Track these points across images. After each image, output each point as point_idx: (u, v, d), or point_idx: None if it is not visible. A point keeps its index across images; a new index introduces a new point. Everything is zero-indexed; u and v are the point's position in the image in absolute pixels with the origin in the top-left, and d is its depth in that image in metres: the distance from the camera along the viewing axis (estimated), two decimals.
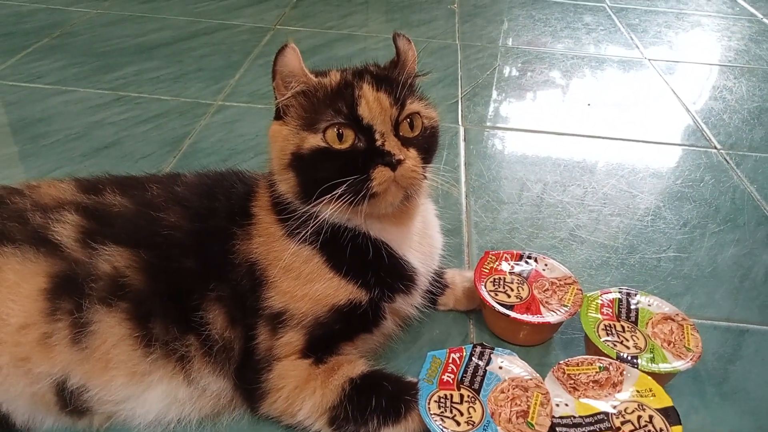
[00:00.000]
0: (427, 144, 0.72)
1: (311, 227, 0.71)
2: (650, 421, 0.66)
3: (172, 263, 0.72)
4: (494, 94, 1.62)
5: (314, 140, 0.68)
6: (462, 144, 1.34)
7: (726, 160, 1.35)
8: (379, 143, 0.67)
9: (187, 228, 0.74)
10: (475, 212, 1.11)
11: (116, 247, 0.71)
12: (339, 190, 0.66)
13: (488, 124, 1.45)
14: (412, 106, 0.71)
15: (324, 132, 0.68)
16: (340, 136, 0.68)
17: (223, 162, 1.20)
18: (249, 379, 0.71)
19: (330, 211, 0.68)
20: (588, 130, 1.45)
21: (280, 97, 0.72)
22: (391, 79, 0.72)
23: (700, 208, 1.17)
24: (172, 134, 1.29)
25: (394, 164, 0.66)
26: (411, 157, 0.68)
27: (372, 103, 0.68)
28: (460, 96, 1.56)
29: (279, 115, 0.73)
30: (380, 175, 0.66)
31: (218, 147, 1.26)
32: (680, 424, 0.66)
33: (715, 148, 1.40)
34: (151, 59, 1.63)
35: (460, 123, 1.43)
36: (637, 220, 1.13)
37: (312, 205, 0.69)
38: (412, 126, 0.71)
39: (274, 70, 0.71)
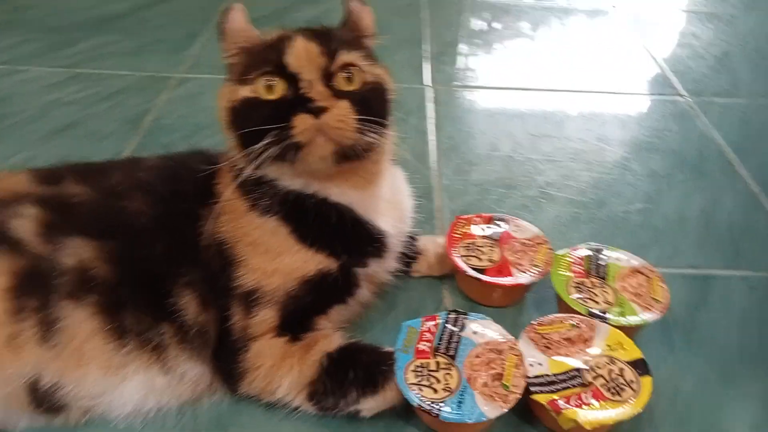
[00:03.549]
0: (364, 98, 0.69)
1: (270, 196, 0.71)
2: (621, 374, 0.68)
3: (139, 251, 0.71)
4: (462, 51, 1.60)
5: (244, 91, 0.69)
6: (432, 106, 1.33)
7: (692, 107, 1.36)
8: (304, 91, 0.66)
9: (151, 213, 0.73)
10: (446, 175, 1.11)
11: (80, 238, 0.69)
12: (264, 141, 0.65)
13: (457, 83, 1.43)
14: (347, 56, 0.69)
15: (254, 82, 0.68)
16: (269, 87, 0.67)
17: (187, 138, 1.17)
18: (226, 361, 0.71)
19: (266, 168, 0.69)
20: (556, 83, 1.44)
21: (226, 55, 0.73)
22: (330, 33, 0.71)
23: (667, 158, 1.19)
24: (133, 111, 1.26)
25: (315, 111, 0.64)
26: (339, 107, 0.66)
27: (299, 51, 0.67)
28: (427, 56, 1.53)
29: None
30: (301, 122, 0.65)
31: (182, 123, 1.23)
32: (650, 374, 0.68)
33: (681, 95, 1.41)
34: (108, 32, 1.57)
35: (428, 84, 1.41)
36: (606, 173, 1.14)
37: (252, 162, 0.68)
38: (350, 79, 0.69)
39: (221, 29, 0.72)
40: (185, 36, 1.57)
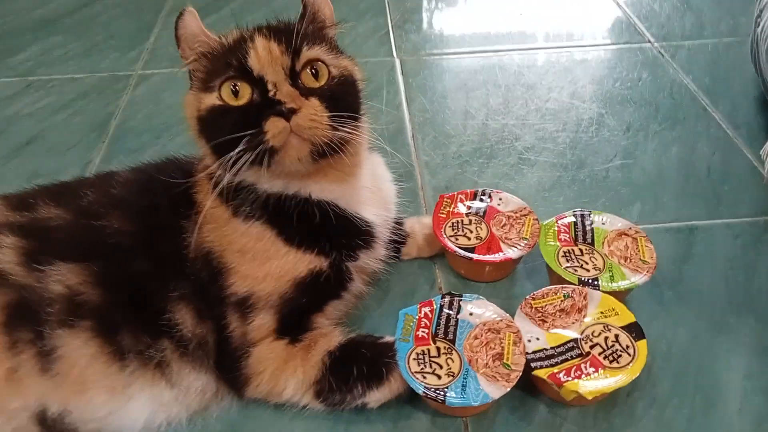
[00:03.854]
0: (334, 93, 0.68)
1: (251, 201, 0.71)
2: (617, 340, 0.69)
3: (126, 271, 0.70)
4: (425, 16, 1.57)
5: (210, 99, 0.67)
6: (400, 78, 1.30)
7: (661, 53, 1.36)
8: (271, 93, 0.65)
9: (132, 231, 0.71)
10: (424, 151, 1.10)
11: (64, 264, 0.68)
12: (237, 149, 0.64)
13: (424, 52, 1.41)
14: (310, 52, 0.68)
15: (219, 89, 0.66)
16: (235, 93, 0.66)
17: (155, 140, 1.14)
18: (229, 368, 0.71)
19: (243, 174, 0.68)
20: (523, 41, 1.43)
21: (185, 62, 0.71)
22: (290, 29, 0.69)
23: (641, 110, 1.19)
24: (95, 117, 1.21)
25: (285, 113, 0.63)
26: (309, 106, 0.65)
27: (261, 53, 0.66)
28: (390, 25, 1.50)
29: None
30: (273, 126, 0.63)
31: (148, 124, 1.19)
32: (644, 338, 0.69)
33: (649, 42, 1.40)
34: (56, 33, 1.50)
35: (395, 55, 1.38)
36: (582, 131, 1.14)
37: (228, 171, 0.66)
38: (316, 76, 0.68)
39: (176, 36, 0.70)
40: (137, 29, 1.51)
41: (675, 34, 1.42)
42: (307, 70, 0.67)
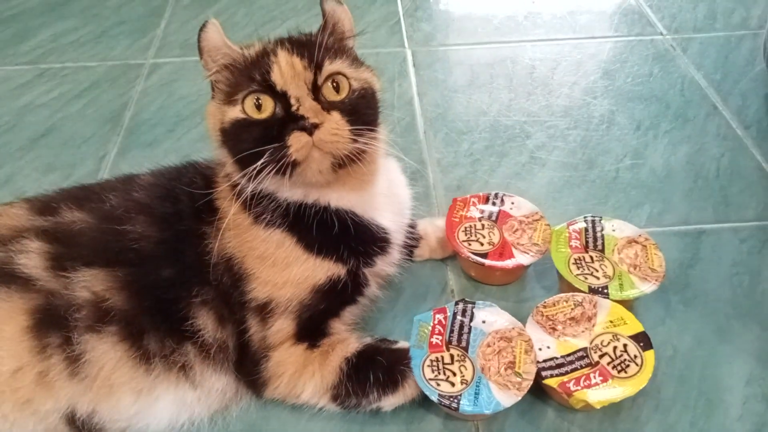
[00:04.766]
0: (354, 106, 0.70)
1: (272, 209, 0.72)
2: (625, 350, 0.72)
3: (150, 277, 0.72)
4: (436, 1, 1.55)
5: (233, 113, 0.68)
6: (412, 70, 1.30)
7: (672, 46, 1.35)
8: (294, 108, 0.66)
9: (155, 237, 0.73)
10: (436, 148, 1.11)
11: (89, 269, 0.70)
12: (260, 162, 0.66)
13: (435, 42, 1.40)
14: (332, 66, 0.69)
15: (242, 103, 0.68)
16: (258, 106, 0.67)
17: (170, 133, 1.15)
18: (249, 371, 0.74)
19: (265, 185, 0.70)
20: (536, 32, 1.42)
21: (208, 73, 0.72)
22: (312, 43, 0.70)
23: (651, 107, 1.19)
24: (109, 108, 1.22)
25: (309, 128, 0.65)
26: (331, 120, 0.66)
27: (284, 68, 0.67)
28: (401, 12, 1.49)
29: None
30: (296, 140, 0.65)
31: (162, 116, 1.20)
32: (652, 348, 0.72)
33: (661, 34, 1.39)
34: (65, 18, 1.50)
35: (406, 46, 1.38)
36: (593, 129, 1.15)
37: (251, 181, 0.69)
38: (338, 89, 0.69)
39: (199, 47, 0.71)
40: (148, 14, 1.50)
41: (687, 25, 1.41)
42: (329, 84, 0.69)
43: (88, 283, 0.69)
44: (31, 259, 0.70)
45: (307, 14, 1.47)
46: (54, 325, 0.67)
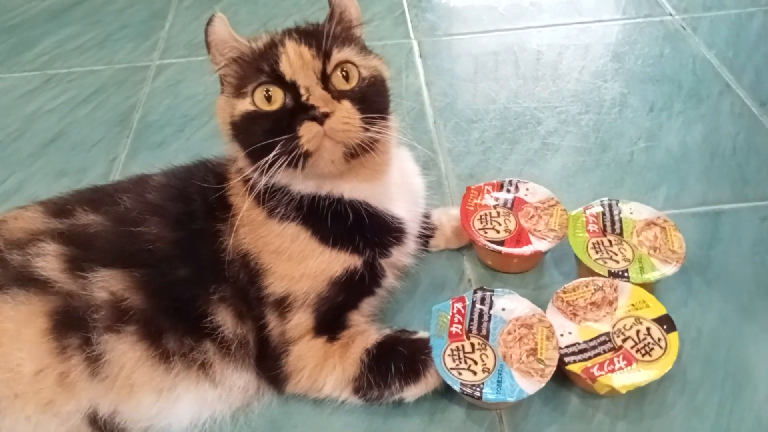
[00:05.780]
0: (364, 94, 0.69)
1: (286, 202, 0.72)
2: (648, 333, 0.71)
3: (167, 276, 0.71)
4: None
5: (243, 105, 0.68)
6: (419, 61, 1.29)
7: (683, 26, 1.33)
8: (304, 98, 0.66)
9: (171, 237, 0.73)
10: (447, 138, 1.10)
11: (106, 270, 0.70)
12: (272, 154, 0.65)
13: (441, 32, 1.39)
14: (340, 55, 0.68)
15: (252, 95, 0.67)
16: (268, 98, 0.67)
17: (179, 133, 1.15)
18: (269, 367, 0.74)
19: (277, 178, 0.69)
20: (542, 17, 1.40)
21: (216, 67, 0.71)
22: (319, 32, 0.69)
23: (663, 87, 1.18)
24: (117, 111, 1.22)
25: (319, 117, 0.64)
26: (341, 109, 0.66)
27: (293, 58, 0.66)
28: (405, 3, 1.48)
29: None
30: (307, 130, 0.64)
31: (170, 116, 1.19)
32: (675, 330, 0.71)
33: (670, 14, 1.37)
34: (68, 24, 1.50)
35: (412, 37, 1.37)
36: (605, 113, 1.13)
37: (264, 175, 0.68)
38: (347, 78, 0.69)
39: (206, 42, 0.70)
40: (150, 17, 1.50)
41: (696, 4, 1.39)
42: (338, 72, 0.68)
43: (106, 283, 0.69)
44: (48, 261, 0.70)
45: (311, 9, 1.47)
46: (73, 326, 0.67)
